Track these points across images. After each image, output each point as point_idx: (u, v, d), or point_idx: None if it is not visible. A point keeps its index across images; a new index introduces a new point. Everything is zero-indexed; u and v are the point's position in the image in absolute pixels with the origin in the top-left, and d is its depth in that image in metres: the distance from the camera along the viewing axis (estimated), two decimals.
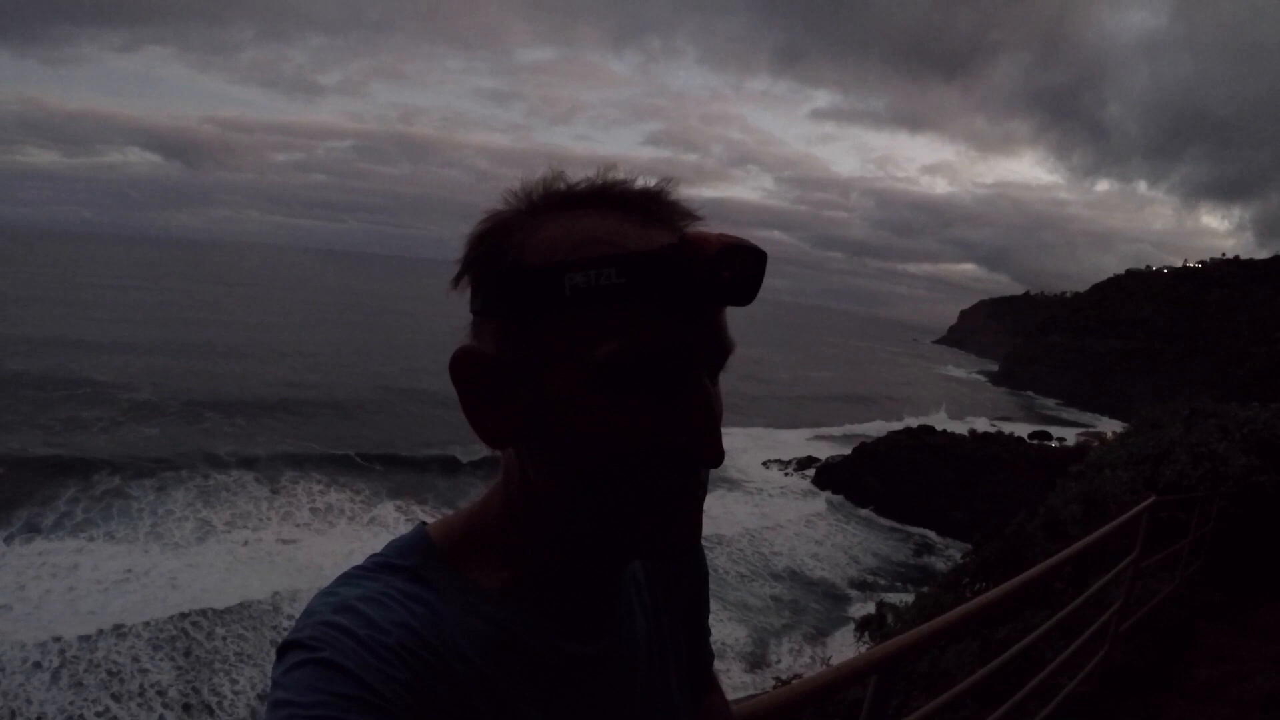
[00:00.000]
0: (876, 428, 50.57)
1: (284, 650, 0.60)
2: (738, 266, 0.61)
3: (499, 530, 0.71)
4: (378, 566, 0.68)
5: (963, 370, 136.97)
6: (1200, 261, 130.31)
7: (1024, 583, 2.97)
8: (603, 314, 0.61)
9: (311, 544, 22.17)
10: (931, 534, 33.80)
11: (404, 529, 0.75)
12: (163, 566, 19.82)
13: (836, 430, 52.21)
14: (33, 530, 21.00)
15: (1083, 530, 7.26)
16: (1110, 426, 56.87)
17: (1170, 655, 5.18)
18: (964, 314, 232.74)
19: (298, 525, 23.67)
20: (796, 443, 46.48)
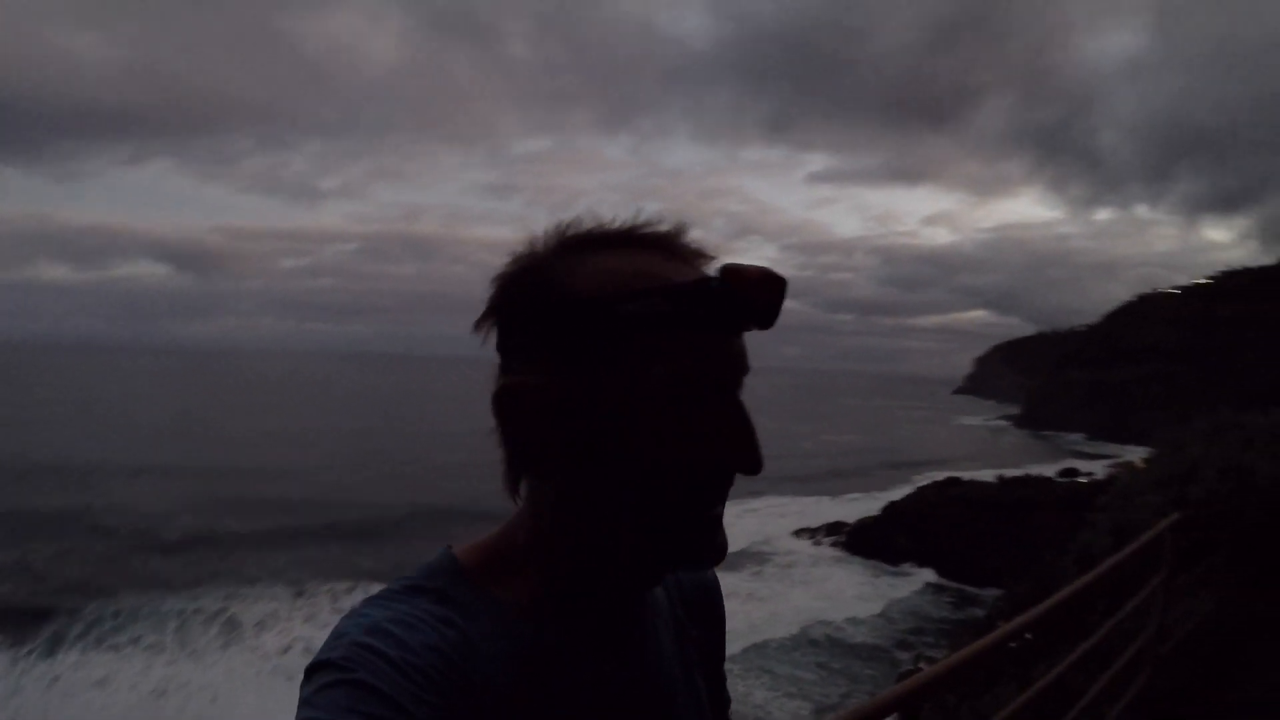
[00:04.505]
0: (903, 486, 50.01)
1: (313, 670, 0.62)
2: (769, 296, 0.69)
3: (526, 552, 0.74)
4: (406, 589, 0.71)
5: (983, 417, 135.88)
6: (1209, 276, 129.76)
7: (1050, 609, 2.87)
8: (654, 340, 0.67)
9: None
10: (969, 586, 33.14)
11: None
12: (198, 679, 19.44)
13: (863, 493, 51.65)
14: (57, 642, 20.64)
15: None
16: (1137, 455, 56.14)
17: (1216, 674, 4.97)
18: (979, 361, 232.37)
19: (323, 627, 23.05)
20: (824, 510, 45.88)
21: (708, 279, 0.68)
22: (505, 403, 0.71)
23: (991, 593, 29.99)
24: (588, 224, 0.73)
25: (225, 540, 31.15)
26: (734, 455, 0.69)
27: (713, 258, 0.74)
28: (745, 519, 38.35)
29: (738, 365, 0.71)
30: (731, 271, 0.67)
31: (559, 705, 0.70)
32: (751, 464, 0.70)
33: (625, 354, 0.67)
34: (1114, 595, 5.46)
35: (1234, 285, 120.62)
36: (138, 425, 67.38)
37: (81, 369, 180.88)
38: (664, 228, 0.73)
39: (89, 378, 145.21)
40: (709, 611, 0.93)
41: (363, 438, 65.99)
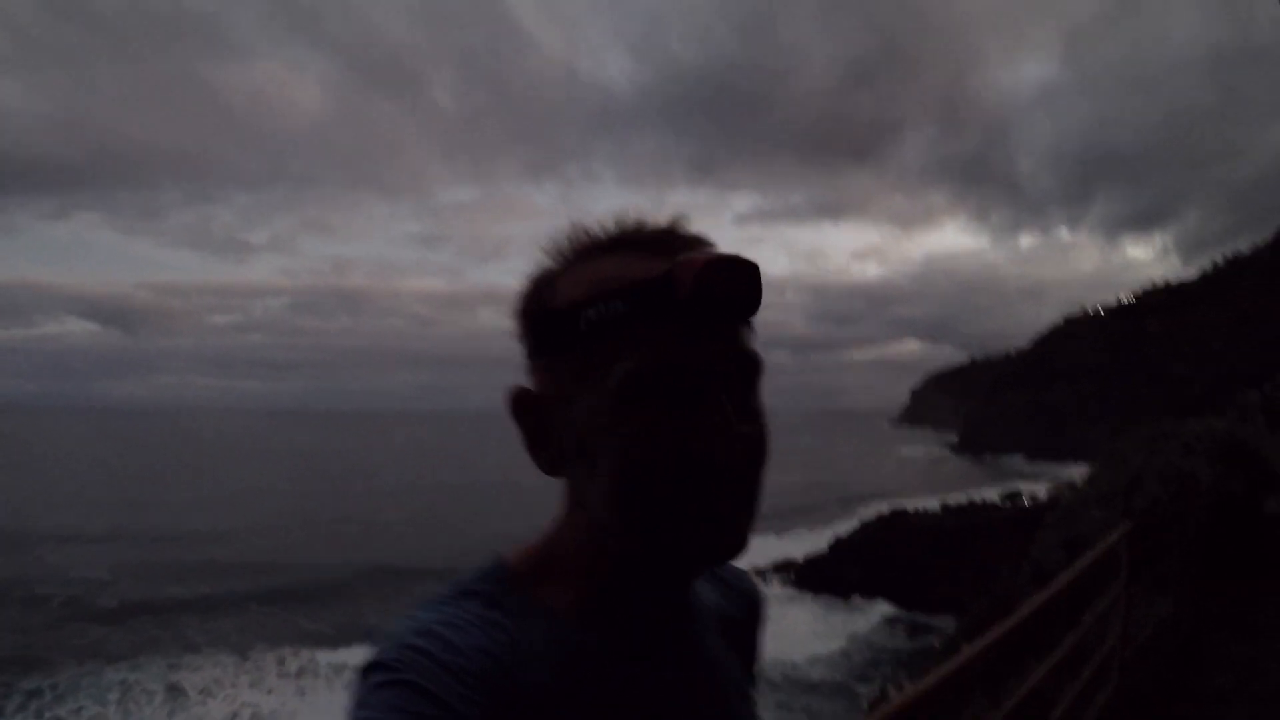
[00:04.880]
0: (849, 519, 50.16)
1: (366, 671, 0.64)
2: (726, 283, 0.67)
3: (570, 555, 0.75)
4: (456, 593, 0.72)
5: (923, 447, 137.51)
6: (1133, 294, 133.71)
7: (1016, 624, 2.88)
8: (615, 342, 0.68)
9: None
10: (922, 615, 33.30)
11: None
12: None
13: (809, 529, 51.70)
14: None
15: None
16: (1077, 472, 57.15)
17: (1182, 671, 5.08)
18: (914, 392, 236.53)
19: (269, 692, 22.36)
20: (771, 548, 45.76)
21: (663, 274, 0.67)
22: (513, 407, 0.75)
23: (946, 620, 30.20)
24: (598, 230, 0.74)
25: (165, 607, 30.19)
26: (708, 451, 0.66)
27: (707, 245, 0.73)
28: None
29: (720, 360, 0.68)
30: (680, 264, 0.67)
31: (604, 708, 0.70)
32: (725, 460, 0.67)
33: (592, 358, 0.69)
34: (1074, 606, 5.53)
35: (1157, 300, 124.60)
36: (69, 489, 65.40)
37: (8, 431, 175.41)
38: (654, 225, 0.73)
39: (16, 440, 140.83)
40: (749, 614, 0.94)
41: (301, 497, 64.53)
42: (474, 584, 0.73)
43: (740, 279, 0.68)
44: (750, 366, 0.71)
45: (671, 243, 0.71)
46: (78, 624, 28.10)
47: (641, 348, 0.67)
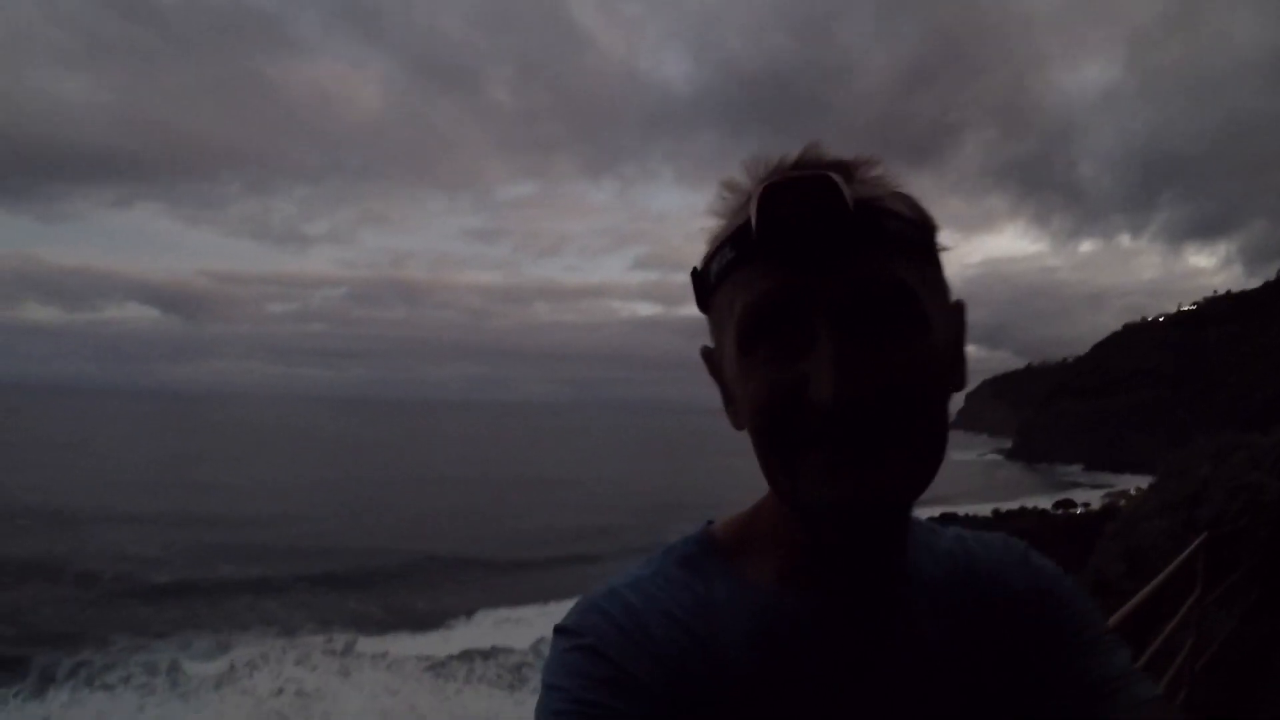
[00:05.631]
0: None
1: (557, 634, 0.68)
2: (792, 206, 0.61)
3: (767, 522, 0.74)
4: (659, 557, 0.74)
5: (976, 452, 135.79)
6: (1194, 303, 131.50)
7: None
8: (732, 287, 0.66)
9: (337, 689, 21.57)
10: None
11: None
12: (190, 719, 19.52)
13: None
14: (46, 682, 20.41)
15: (1132, 585, 7.05)
16: (1133, 483, 56.23)
17: (1251, 688, 4.96)
18: (969, 396, 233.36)
19: (314, 669, 22.67)
20: None
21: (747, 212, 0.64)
22: (705, 363, 0.76)
23: None
24: (744, 174, 0.71)
25: (216, 586, 30.75)
26: (814, 391, 0.60)
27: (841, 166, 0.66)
28: None
29: (806, 291, 0.62)
30: (758, 194, 0.62)
31: (794, 678, 0.67)
32: (830, 400, 0.59)
33: (722, 309, 0.68)
34: (1140, 617, 5.41)
35: (1219, 310, 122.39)
36: (127, 470, 66.64)
37: (70, 412, 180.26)
38: (788, 159, 0.68)
39: (77, 421, 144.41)
40: (1040, 620, 0.78)
41: (354, 484, 65.38)
42: (679, 548, 0.74)
43: (809, 198, 0.61)
44: (874, 294, 0.62)
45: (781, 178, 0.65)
46: (129, 600, 28.63)
47: (748, 288, 0.64)
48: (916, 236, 0.66)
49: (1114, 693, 0.72)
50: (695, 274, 0.71)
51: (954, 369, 0.70)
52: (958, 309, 0.73)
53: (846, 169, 0.65)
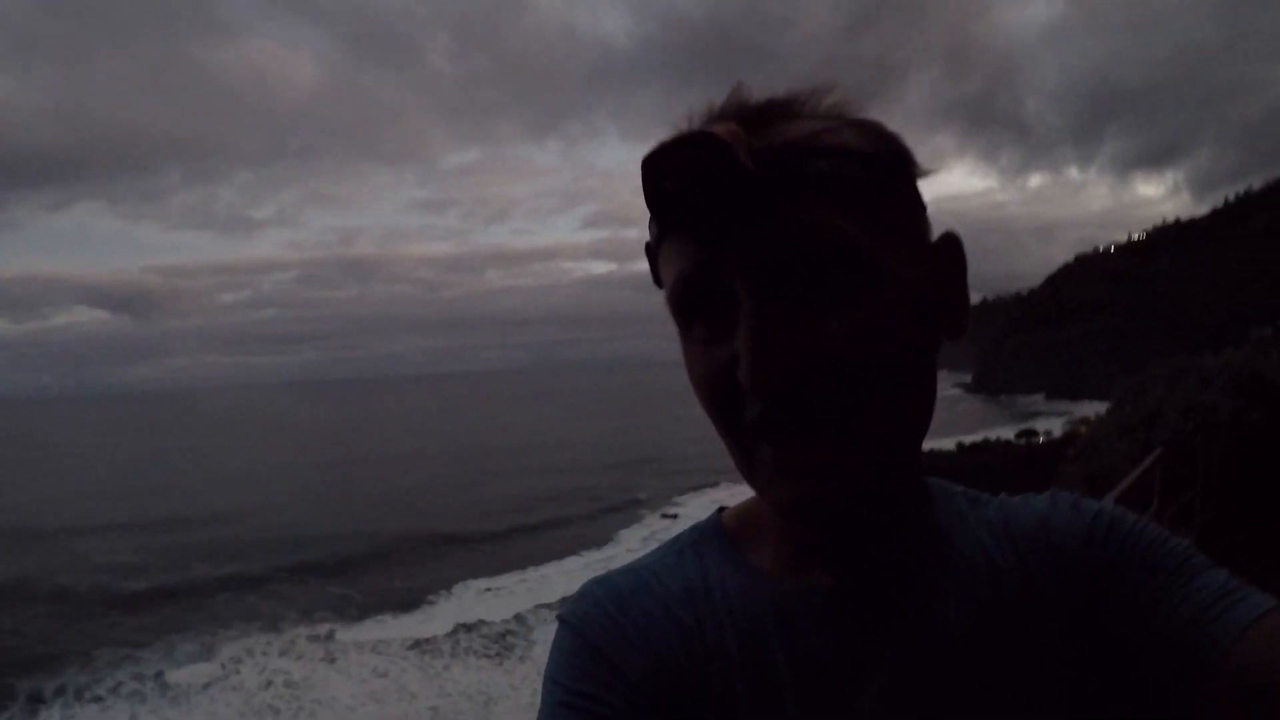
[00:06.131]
0: None
1: (557, 623, 0.67)
2: (677, 171, 0.52)
3: (767, 509, 0.68)
4: (669, 543, 0.71)
5: (938, 387, 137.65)
6: (1144, 232, 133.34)
7: None
8: (664, 263, 0.58)
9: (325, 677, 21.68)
10: None
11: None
12: None
13: None
14: (37, 701, 20.39)
15: None
16: (1093, 409, 57.23)
17: None
18: None
19: (299, 659, 22.86)
20: None
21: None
22: None
23: None
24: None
25: (193, 588, 30.49)
26: (742, 373, 0.53)
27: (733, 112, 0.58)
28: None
29: (746, 257, 0.53)
30: (642, 167, 0.53)
31: (780, 667, 0.62)
32: (751, 381, 0.52)
33: (664, 282, 0.59)
34: None
35: (1169, 238, 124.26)
36: (90, 479, 65.62)
37: (26, 425, 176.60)
38: (713, 109, 0.59)
39: (35, 433, 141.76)
40: (1103, 571, 0.64)
41: (322, 469, 64.93)
42: (683, 538, 0.71)
43: (694, 161, 0.51)
44: (801, 251, 0.53)
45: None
46: (107, 611, 28.25)
47: (670, 268, 0.57)
48: (862, 173, 0.56)
49: (1219, 616, 0.58)
50: (647, 248, 0.62)
51: (945, 316, 0.62)
52: (946, 245, 0.63)
53: (766, 111, 0.57)
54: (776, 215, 0.53)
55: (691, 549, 0.69)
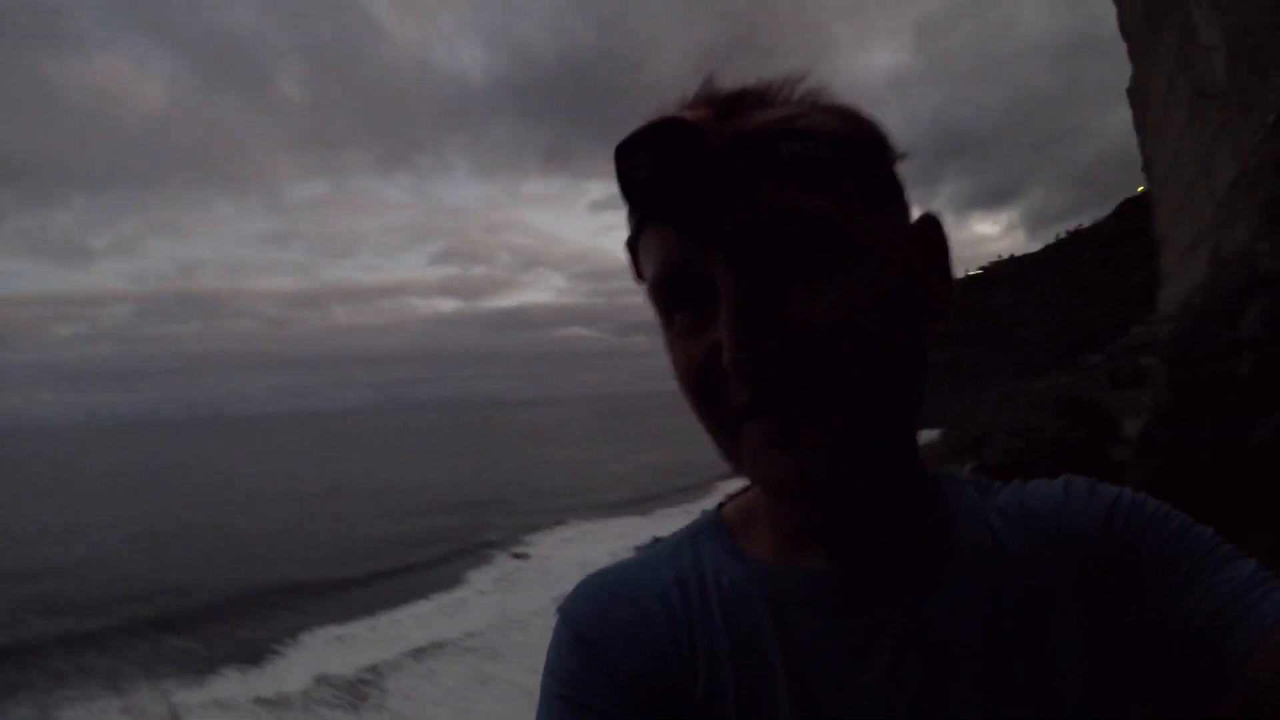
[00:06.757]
0: (714, 496, 50.00)
1: (557, 615, 0.67)
2: (646, 160, 0.54)
3: (764, 500, 0.69)
4: (669, 536, 0.72)
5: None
6: (981, 267, 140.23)
7: None
8: (644, 256, 0.59)
9: None
10: None
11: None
12: None
13: (675, 507, 51.16)
14: None
15: None
16: (928, 437, 58.89)
17: None
18: None
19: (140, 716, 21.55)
20: (640, 529, 45.66)
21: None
22: None
23: None
24: None
25: (27, 647, 28.49)
26: (724, 356, 0.53)
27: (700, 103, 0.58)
28: (565, 549, 37.50)
29: (720, 242, 0.54)
30: (614, 158, 0.55)
31: (785, 653, 0.61)
32: (731, 364, 0.53)
33: (645, 277, 0.61)
34: None
35: (1005, 272, 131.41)
36: None
37: None
38: (686, 99, 0.59)
39: None
40: (1123, 558, 0.61)
41: (157, 516, 61.47)
42: (684, 530, 0.72)
43: (662, 149, 0.53)
44: (774, 231, 0.54)
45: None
46: None
47: (649, 260, 0.59)
48: (836, 155, 0.56)
49: (1245, 612, 0.55)
50: (627, 243, 0.62)
51: (928, 296, 0.62)
52: (925, 226, 0.64)
53: (739, 99, 0.58)
54: (750, 198, 0.53)
55: (689, 542, 0.70)
